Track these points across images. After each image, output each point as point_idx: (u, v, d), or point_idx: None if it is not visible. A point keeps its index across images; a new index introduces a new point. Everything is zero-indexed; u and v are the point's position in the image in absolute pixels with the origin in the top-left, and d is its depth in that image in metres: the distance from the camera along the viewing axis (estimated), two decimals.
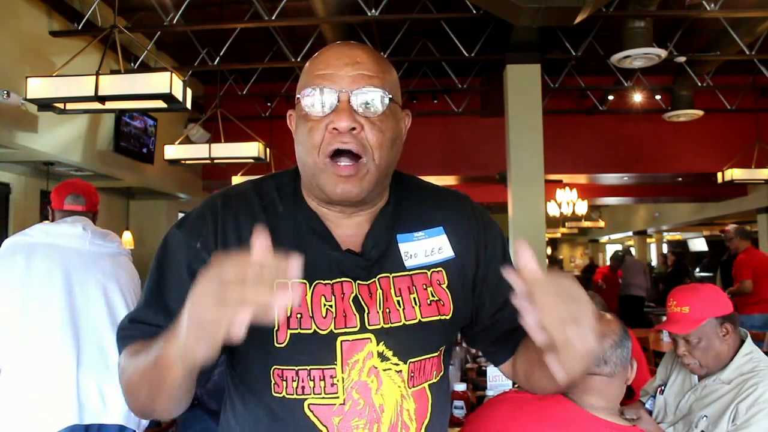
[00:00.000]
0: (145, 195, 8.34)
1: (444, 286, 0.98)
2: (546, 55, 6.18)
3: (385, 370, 0.92)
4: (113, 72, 4.65)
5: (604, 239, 20.07)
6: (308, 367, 0.90)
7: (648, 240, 17.55)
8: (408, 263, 0.97)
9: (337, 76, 0.90)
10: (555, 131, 6.73)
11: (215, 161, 5.78)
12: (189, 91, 3.75)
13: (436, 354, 0.98)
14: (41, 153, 5.32)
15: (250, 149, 5.68)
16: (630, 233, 17.00)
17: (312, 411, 0.90)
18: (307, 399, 0.90)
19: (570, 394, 1.38)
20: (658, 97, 7.67)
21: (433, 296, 0.96)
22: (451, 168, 8.09)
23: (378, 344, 0.92)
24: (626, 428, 1.34)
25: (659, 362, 2.26)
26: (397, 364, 0.93)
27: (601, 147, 8.01)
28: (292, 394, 0.91)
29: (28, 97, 3.63)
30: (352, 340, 0.91)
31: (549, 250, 16.23)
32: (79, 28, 5.36)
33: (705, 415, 1.81)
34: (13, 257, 2.01)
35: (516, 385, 2.76)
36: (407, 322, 0.93)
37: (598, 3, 4.33)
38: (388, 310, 0.93)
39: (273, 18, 5.25)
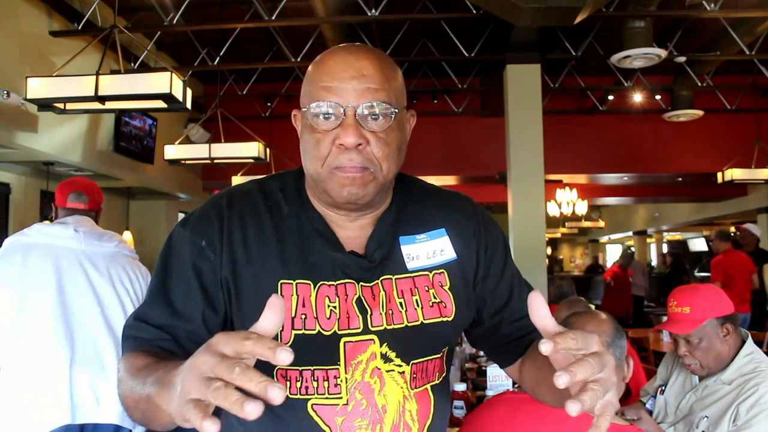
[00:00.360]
0: (145, 195, 8.34)
1: (446, 287, 0.98)
2: (546, 55, 6.18)
3: (388, 371, 0.92)
4: (113, 72, 4.65)
5: (604, 239, 20.07)
6: (312, 368, 0.91)
7: (648, 240, 17.56)
8: (410, 265, 0.97)
9: (343, 90, 0.89)
10: (555, 131, 6.73)
11: (215, 161, 5.78)
12: (189, 91, 3.75)
13: (438, 355, 0.98)
14: (41, 153, 5.32)
15: (250, 149, 5.68)
16: (630, 233, 17.01)
17: (315, 411, 0.91)
18: (310, 399, 0.91)
19: None
20: (658, 97, 7.68)
21: (435, 298, 0.96)
22: (451, 168, 8.10)
23: (381, 345, 0.92)
24: (624, 427, 1.35)
25: (659, 362, 2.26)
26: (399, 366, 0.93)
27: (601, 147, 8.01)
28: (296, 395, 0.91)
29: (28, 97, 3.63)
30: (356, 341, 0.91)
31: (549, 250, 16.24)
32: (79, 28, 5.36)
33: (706, 416, 1.81)
34: (12, 257, 2.02)
35: (516, 385, 2.76)
36: (410, 324, 0.94)
37: (598, 3, 4.33)
38: (390, 312, 0.93)
39: (273, 18, 5.25)
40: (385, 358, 0.92)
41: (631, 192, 11.23)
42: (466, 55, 6.19)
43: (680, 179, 9.15)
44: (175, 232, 0.97)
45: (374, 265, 0.95)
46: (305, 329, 0.90)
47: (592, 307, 2.02)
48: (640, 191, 11.25)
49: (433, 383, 0.98)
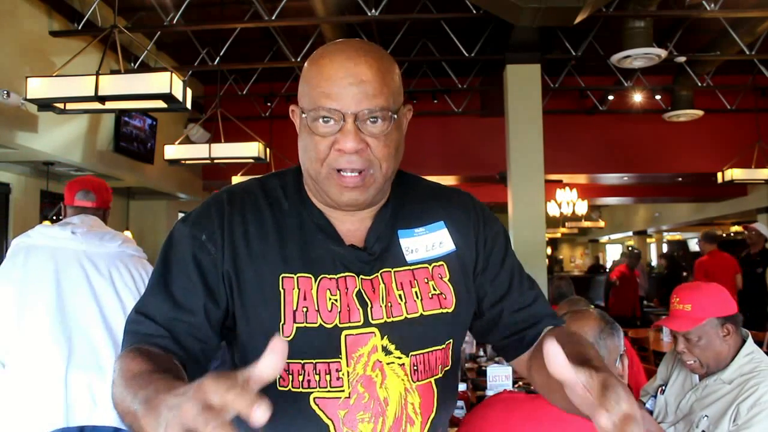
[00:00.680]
0: (145, 195, 8.35)
1: (446, 279, 0.99)
2: (546, 55, 6.18)
3: (388, 363, 0.93)
4: (113, 72, 4.65)
5: (604, 239, 20.07)
6: (314, 361, 0.91)
7: (648, 240, 17.56)
8: (409, 258, 0.98)
9: (342, 96, 0.89)
10: (555, 131, 6.73)
11: (215, 161, 5.78)
12: (189, 91, 3.75)
13: (441, 347, 0.99)
14: (41, 153, 5.32)
15: (250, 149, 5.68)
16: (630, 233, 17.01)
17: (317, 404, 0.91)
18: (312, 392, 0.92)
19: None
20: (658, 97, 7.67)
21: (434, 290, 0.97)
22: (451, 168, 8.10)
23: (382, 338, 0.93)
24: None
25: (659, 362, 2.26)
26: (399, 358, 0.94)
27: (601, 147, 8.01)
28: (298, 388, 0.92)
29: (28, 97, 3.63)
30: (357, 334, 0.92)
31: (549, 250, 16.24)
32: (79, 28, 5.36)
33: (706, 415, 1.81)
34: (15, 257, 2.04)
35: (516, 386, 2.76)
36: (409, 316, 0.95)
37: (598, 3, 4.33)
38: (390, 304, 0.94)
39: (273, 18, 5.25)
40: (386, 351, 0.93)
41: (631, 192, 11.23)
42: (466, 55, 6.19)
43: (680, 179, 9.15)
44: (176, 228, 0.98)
45: (374, 258, 0.96)
46: (307, 322, 0.91)
47: (591, 307, 2.02)
48: (640, 191, 11.25)
49: (437, 377, 0.98)
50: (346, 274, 0.94)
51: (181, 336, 0.89)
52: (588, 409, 0.68)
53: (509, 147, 6.04)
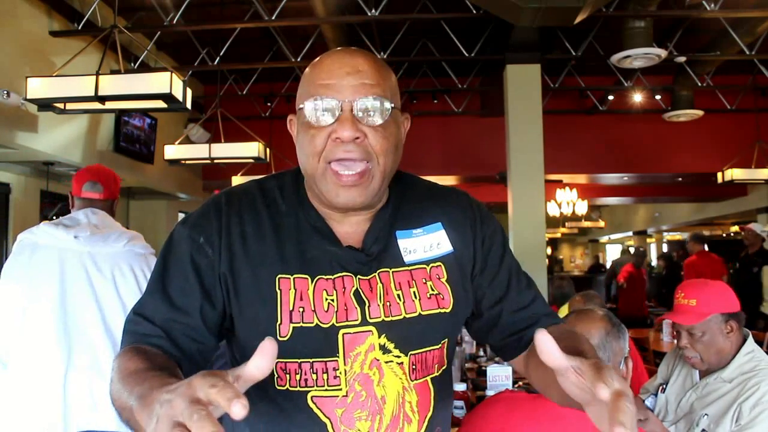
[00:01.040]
0: (145, 195, 8.35)
1: (443, 280, 1.00)
2: (546, 55, 6.18)
3: (387, 362, 0.94)
4: (113, 72, 4.65)
5: (604, 239, 20.07)
6: (311, 360, 0.92)
7: (648, 240, 17.56)
8: (407, 258, 0.99)
9: (339, 86, 0.91)
10: (555, 131, 6.73)
11: (215, 161, 5.78)
12: (189, 91, 3.75)
13: (437, 346, 0.99)
14: (41, 153, 5.32)
15: (250, 149, 5.68)
16: (630, 233, 17.01)
17: (315, 403, 0.92)
18: (310, 391, 0.92)
19: None
20: (658, 97, 7.67)
21: (432, 290, 0.98)
22: (451, 168, 8.10)
23: (380, 337, 0.94)
24: None
25: (659, 362, 2.26)
26: (398, 356, 0.94)
27: (601, 147, 8.01)
28: (296, 387, 0.92)
29: (28, 97, 3.63)
30: (354, 332, 0.93)
31: (549, 250, 16.24)
32: (79, 28, 5.36)
33: (706, 414, 1.81)
34: (21, 255, 2.03)
35: (516, 385, 2.76)
36: (408, 315, 0.95)
37: (598, 3, 4.33)
38: (388, 304, 0.94)
39: (273, 18, 5.25)
40: (384, 350, 0.94)
41: (631, 192, 11.23)
42: (466, 55, 6.19)
43: (680, 179, 9.15)
44: (175, 230, 0.99)
45: (371, 259, 0.97)
46: (303, 322, 0.92)
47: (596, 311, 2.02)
48: (640, 191, 11.25)
49: (433, 375, 0.99)
50: (344, 274, 0.95)
51: (177, 336, 0.90)
52: (581, 396, 0.70)
53: (509, 147, 6.04)
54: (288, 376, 0.92)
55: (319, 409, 0.92)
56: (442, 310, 0.98)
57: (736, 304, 1.89)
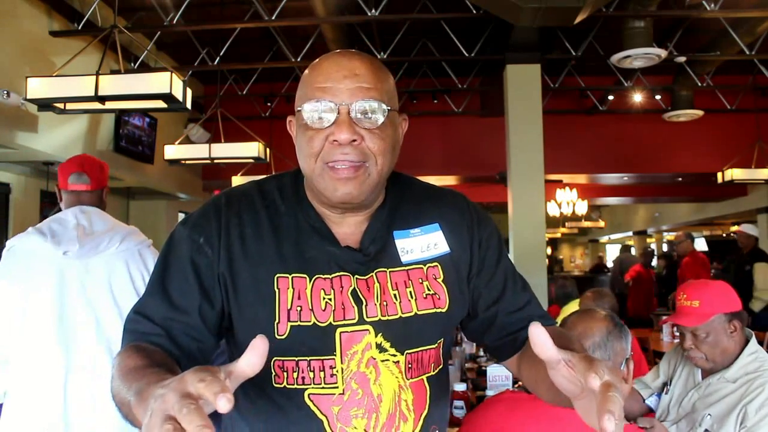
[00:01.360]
0: (145, 195, 8.35)
1: (440, 280, 1.01)
2: (546, 55, 6.18)
3: (383, 361, 0.95)
4: (113, 72, 4.65)
5: (604, 239, 20.07)
6: (308, 358, 0.93)
7: (648, 240, 17.55)
8: (404, 258, 1.00)
9: (337, 89, 0.92)
10: (555, 131, 6.73)
11: (215, 161, 5.78)
12: (189, 91, 3.75)
13: (434, 346, 1.00)
14: (41, 153, 5.32)
15: (250, 149, 5.68)
16: (630, 233, 17.01)
17: (312, 401, 0.93)
18: (307, 389, 0.93)
19: None
20: (658, 97, 7.67)
21: (429, 290, 0.99)
22: (451, 168, 8.09)
23: (376, 336, 0.95)
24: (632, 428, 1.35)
25: (659, 362, 2.26)
26: (394, 355, 0.95)
27: (601, 147, 8.01)
28: (293, 384, 0.94)
29: (28, 97, 3.63)
30: (351, 331, 0.94)
31: (549, 250, 16.23)
32: (79, 28, 5.36)
33: (709, 414, 1.81)
34: (15, 257, 1.99)
35: (516, 385, 2.76)
36: (404, 315, 0.96)
37: (598, 3, 4.33)
38: (385, 303, 0.96)
39: (273, 18, 5.25)
40: (380, 348, 0.95)
41: (631, 192, 11.23)
42: (466, 55, 6.19)
43: (680, 179, 9.15)
44: (175, 231, 1.01)
45: (369, 259, 0.98)
46: (300, 321, 0.93)
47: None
48: (640, 191, 11.25)
49: (429, 374, 1.00)
50: (341, 273, 0.96)
51: (177, 335, 0.92)
52: (571, 389, 0.72)
53: (509, 147, 6.04)
54: (285, 374, 0.94)
55: (315, 406, 0.93)
56: (438, 310, 0.99)
57: (738, 304, 1.89)
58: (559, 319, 3.63)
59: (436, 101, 7.80)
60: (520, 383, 2.80)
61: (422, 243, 1.02)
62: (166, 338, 0.91)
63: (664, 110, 7.40)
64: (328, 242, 0.98)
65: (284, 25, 5.77)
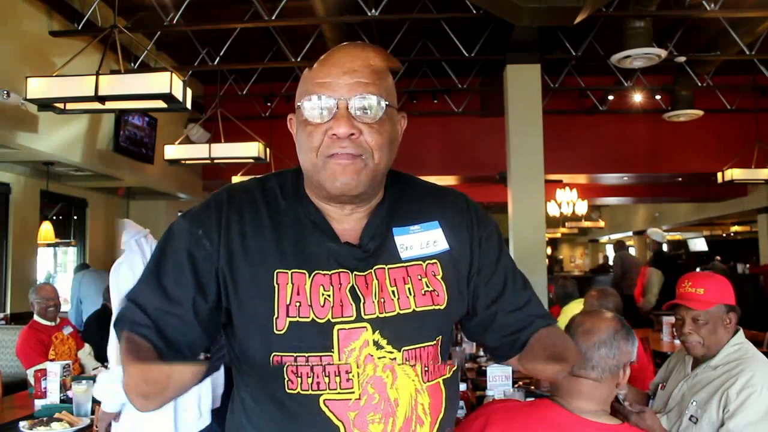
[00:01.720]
0: (145, 195, 8.35)
1: (439, 277, 1.01)
2: (546, 55, 6.18)
3: (380, 358, 0.94)
4: (113, 72, 4.65)
5: (604, 239, 20.05)
6: (306, 354, 0.93)
7: (648, 240, 17.53)
8: (404, 255, 1.00)
9: (336, 84, 0.94)
10: (555, 131, 6.73)
11: (215, 161, 5.78)
12: (189, 91, 3.75)
13: (432, 343, 1.00)
14: (41, 153, 5.32)
15: (250, 149, 5.68)
16: (630, 233, 17.00)
17: (327, 406, 0.92)
18: (322, 395, 0.92)
19: (558, 399, 1.39)
20: (658, 97, 7.67)
21: (427, 287, 0.99)
22: (451, 168, 8.09)
23: (374, 333, 0.94)
24: (615, 427, 1.35)
25: (659, 361, 2.31)
26: (391, 352, 0.95)
27: (601, 147, 8.01)
28: (307, 390, 0.92)
29: (28, 97, 3.63)
30: (349, 328, 0.94)
31: (549, 250, 16.23)
32: (79, 28, 5.35)
33: (695, 401, 1.88)
34: (137, 253, 2.04)
35: (516, 386, 2.76)
36: (401, 312, 0.96)
37: (598, 3, 4.33)
38: (383, 300, 0.96)
39: (273, 18, 5.25)
40: (377, 345, 0.94)
41: (631, 192, 11.23)
42: (466, 55, 6.18)
43: (680, 179, 9.15)
44: (175, 223, 1.01)
45: (368, 255, 0.98)
46: (299, 316, 0.93)
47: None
48: (640, 191, 11.25)
49: (445, 377, 1.00)
50: (340, 270, 0.96)
51: (166, 329, 0.92)
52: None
53: (509, 147, 6.04)
54: (299, 379, 0.92)
55: (332, 412, 0.92)
56: (437, 307, 0.99)
57: (734, 298, 1.99)
58: (560, 319, 3.64)
59: (436, 101, 7.80)
60: (520, 383, 2.81)
61: (422, 240, 1.02)
62: (153, 331, 0.91)
63: (664, 110, 7.39)
64: (328, 238, 0.98)
65: (284, 25, 5.77)
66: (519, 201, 5.94)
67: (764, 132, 7.17)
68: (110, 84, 3.52)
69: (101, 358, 4.02)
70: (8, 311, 6.07)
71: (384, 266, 0.98)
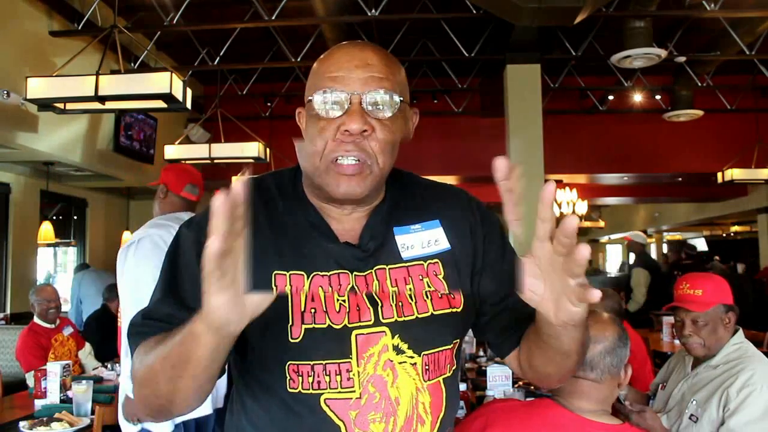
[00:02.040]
0: (145, 195, 8.34)
1: (440, 276, 0.99)
2: (546, 55, 6.18)
3: (400, 363, 0.93)
4: (113, 72, 4.65)
5: (604, 239, 20.06)
6: (324, 362, 0.91)
7: (648, 240, 17.54)
8: (405, 254, 0.98)
9: (349, 78, 0.91)
10: (555, 131, 6.73)
11: (215, 161, 5.78)
12: (189, 91, 3.75)
13: (449, 347, 0.99)
14: (41, 153, 5.32)
15: (250, 149, 5.69)
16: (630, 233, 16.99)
17: (328, 406, 0.91)
18: (323, 394, 0.91)
19: (559, 398, 1.39)
20: (658, 97, 7.67)
21: (429, 287, 0.97)
22: (451, 168, 8.09)
23: (393, 337, 0.93)
24: (616, 427, 1.35)
25: (659, 361, 2.31)
26: (411, 357, 0.94)
27: (601, 147, 8.01)
28: (308, 389, 0.91)
29: (28, 97, 3.63)
30: (367, 333, 0.92)
31: None
32: (79, 28, 5.36)
33: (695, 400, 1.88)
34: (155, 243, 2.15)
35: (516, 386, 2.76)
36: (420, 315, 0.95)
37: (598, 3, 4.33)
38: (401, 304, 0.94)
39: (273, 18, 5.25)
40: (398, 350, 0.93)
41: (631, 192, 11.23)
42: (466, 55, 6.19)
43: (680, 179, 9.15)
44: (180, 233, 1.00)
45: (368, 255, 0.96)
46: (315, 323, 0.91)
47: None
48: (640, 191, 11.25)
49: (445, 376, 0.98)
50: (339, 271, 0.94)
51: None
52: (547, 259, 0.83)
53: (509, 147, 6.04)
54: (300, 378, 0.91)
55: (332, 411, 0.91)
56: (454, 310, 0.97)
57: (732, 298, 2.00)
58: None
59: (436, 101, 7.80)
60: (519, 383, 2.81)
61: (423, 239, 1.00)
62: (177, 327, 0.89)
63: (664, 110, 7.39)
64: (327, 239, 0.97)
65: (284, 25, 5.77)
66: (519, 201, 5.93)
67: (764, 132, 7.17)
68: (110, 84, 3.52)
69: (101, 358, 4.02)
70: (8, 311, 6.07)
71: (384, 266, 0.97)
